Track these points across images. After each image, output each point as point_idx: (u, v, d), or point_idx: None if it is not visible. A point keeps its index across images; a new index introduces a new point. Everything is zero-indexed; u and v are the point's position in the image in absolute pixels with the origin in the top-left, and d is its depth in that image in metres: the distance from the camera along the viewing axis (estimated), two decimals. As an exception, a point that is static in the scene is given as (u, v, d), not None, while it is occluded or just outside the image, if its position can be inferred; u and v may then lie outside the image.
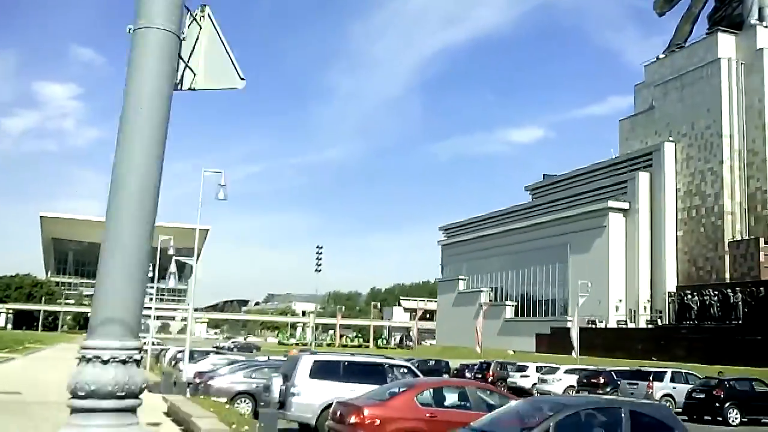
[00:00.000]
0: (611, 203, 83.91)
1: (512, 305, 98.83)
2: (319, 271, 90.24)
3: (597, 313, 79.21)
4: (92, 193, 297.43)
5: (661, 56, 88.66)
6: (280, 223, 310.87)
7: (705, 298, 65.51)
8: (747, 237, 75.70)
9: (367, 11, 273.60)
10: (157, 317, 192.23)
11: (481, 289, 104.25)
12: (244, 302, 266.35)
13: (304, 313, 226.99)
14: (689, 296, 67.37)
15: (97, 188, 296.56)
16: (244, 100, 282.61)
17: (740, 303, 62.22)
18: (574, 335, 46.27)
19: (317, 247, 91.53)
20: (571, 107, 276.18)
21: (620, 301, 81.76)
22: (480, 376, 36.46)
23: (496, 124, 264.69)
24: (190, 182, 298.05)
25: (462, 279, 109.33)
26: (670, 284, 78.42)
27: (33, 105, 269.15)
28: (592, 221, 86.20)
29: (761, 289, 60.99)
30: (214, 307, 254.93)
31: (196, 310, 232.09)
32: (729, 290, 63.85)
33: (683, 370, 31.12)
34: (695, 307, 66.26)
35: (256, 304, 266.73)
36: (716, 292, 64.76)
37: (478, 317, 65.53)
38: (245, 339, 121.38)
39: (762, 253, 73.67)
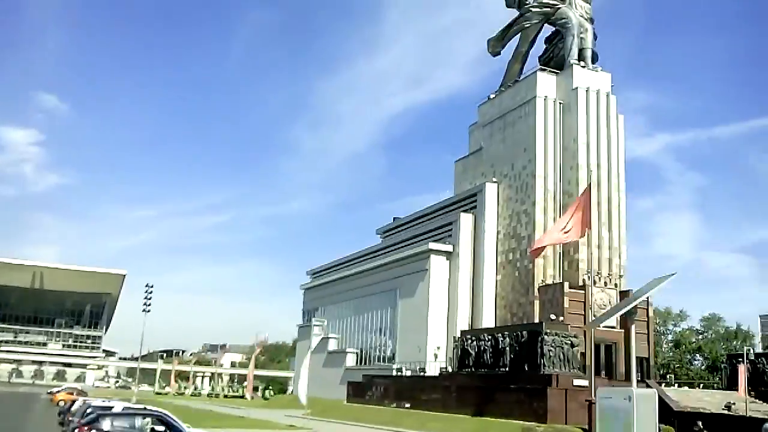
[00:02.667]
0: (432, 245, 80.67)
1: (354, 352, 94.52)
2: (148, 311, 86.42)
3: (419, 360, 75.49)
4: (52, 238, 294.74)
5: (492, 96, 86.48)
6: (239, 273, 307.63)
7: (481, 343, 61.70)
8: (555, 282, 72.37)
9: (335, 69, 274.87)
10: (65, 364, 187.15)
11: (330, 335, 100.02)
12: (179, 352, 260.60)
13: (233, 365, 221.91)
14: (469, 341, 63.49)
15: (56, 234, 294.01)
16: (208, 150, 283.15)
17: (507, 348, 58.41)
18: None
19: (146, 286, 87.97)
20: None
21: (438, 348, 77.72)
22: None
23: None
24: (153, 229, 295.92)
25: (317, 325, 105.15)
26: (485, 331, 74.74)
27: None
28: (416, 264, 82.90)
29: (524, 333, 57.27)
30: (144, 357, 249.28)
31: (122, 359, 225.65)
32: (499, 335, 60.12)
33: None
34: (473, 353, 62.31)
35: (191, 354, 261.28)
36: (490, 337, 60.98)
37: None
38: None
39: (567, 298, 70.30)
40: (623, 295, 72.83)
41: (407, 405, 62.37)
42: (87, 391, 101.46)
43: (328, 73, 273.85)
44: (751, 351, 67.03)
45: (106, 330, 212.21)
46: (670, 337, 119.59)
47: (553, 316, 60.98)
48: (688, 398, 59.45)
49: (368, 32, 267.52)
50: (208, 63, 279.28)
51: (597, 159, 75.33)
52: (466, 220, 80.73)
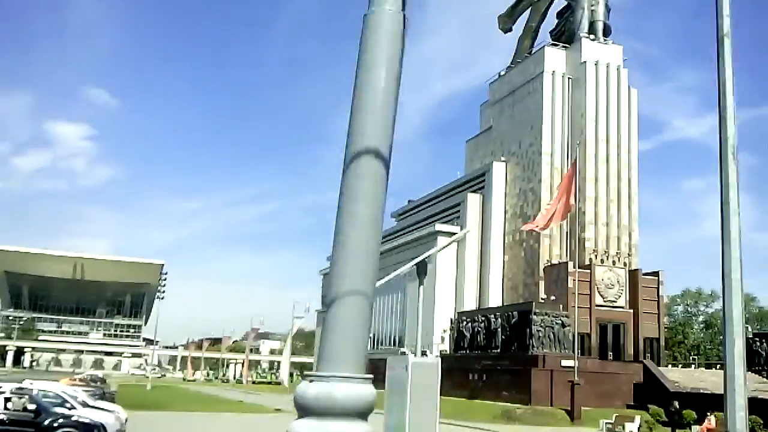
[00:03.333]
0: (438, 227, 79.01)
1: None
2: (162, 298, 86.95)
3: (427, 343, 74.02)
4: (101, 231, 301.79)
5: (502, 73, 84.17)
6: (282, 262, 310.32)
7: (474, 325, 60.10)
8: (561, 261, 70.11)
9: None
10: (106, 353, 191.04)
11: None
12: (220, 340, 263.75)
13: (272, 352, 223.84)
14: (464, 323, 61.92)
15: (106, 226, 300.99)
16: (254, 142, 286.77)
17: (499, 329, 56.72)
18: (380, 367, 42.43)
19: (161, 274, 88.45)
20: None
21: (445, 330, 76.11)
22: None
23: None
24: (199, 221, 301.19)
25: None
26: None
27: (45, 144, 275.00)
28: (424, 247, 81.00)
29: (514, 313, 55.49)
30: (186, 345, 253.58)
31: (166, 347, 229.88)
32: (492, 316, 58.43)
33: None
34: (468, 335, 60.75)
35: (234, 341, 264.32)
36: (483, 318, 59.35)
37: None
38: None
39: (570, 278, 67.90)
40: (632, 274, 70.41)
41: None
42: (106, 378, 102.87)
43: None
44: (749, 329, 63.85)
45: (146, 319, 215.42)
46: (701, 318, 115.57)
47: (544, 296, 58.98)
48: (692, 379, 57.02)
49: (411, 18, 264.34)
50: (251, 57, 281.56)
51: (606, 134, 72.68)
52: (473, 200, 78.86)
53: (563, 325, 53.24)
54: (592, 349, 67.15)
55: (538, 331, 52.31)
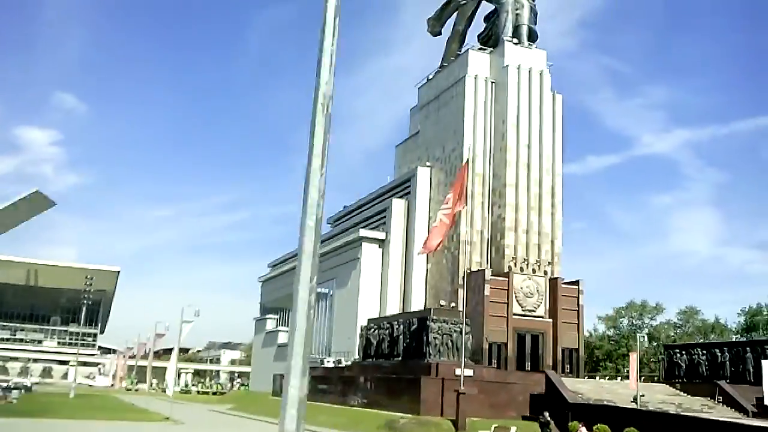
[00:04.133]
0: (363, 233, 77.73)
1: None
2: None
3: (348, 350, 72.64)
4: (68, 238, 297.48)
5: (431, 77, 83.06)
6: (255, 272, 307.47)
7: (380, 332, 58.67)
8: (480, 268, 68.92)
9: (350, 68, 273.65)
10: (60, 361, 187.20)
11: (280, 328, 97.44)
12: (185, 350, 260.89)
13: (233, 362, 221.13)
14: (371, 331, 60.44)
15: (73, 234, 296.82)
16: (228, 150, 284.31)
17: (401, 337, 55.29)
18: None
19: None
20: None
21: (349, 338, 74.74)
22: None
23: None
24: (168, 229, 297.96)
25: (270, 318, 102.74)
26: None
27: (13, 150, 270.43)
28: (350, 253, 79.93)
29: (414, 320, 54.12)
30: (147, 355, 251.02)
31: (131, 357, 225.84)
32: (395, 323, 57.01)
33: None
34: (375, 342, 59.28)
35: (197, 351, 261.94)
36: (388, 326, 57.91)
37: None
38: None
39: (488, 286, 66.87)
40: (552, 283, 69.38)
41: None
42: (33, 385, 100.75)
43: (342, 72, 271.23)
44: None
45: (102, 328, 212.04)
46: (645, 331, 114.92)
47: (443, 303, 57.59)
48: (599, 391, 55.83)
49: (382, 31, 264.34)
50: (223, 62, 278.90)
51: (528, 139, 71.68)
52: (398, 206, 77.59)
53: (462, 333, 51.82)
54: (509, 359, 65.99)
55: (434, 338, 51.02)
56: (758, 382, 60.37)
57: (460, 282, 69.38)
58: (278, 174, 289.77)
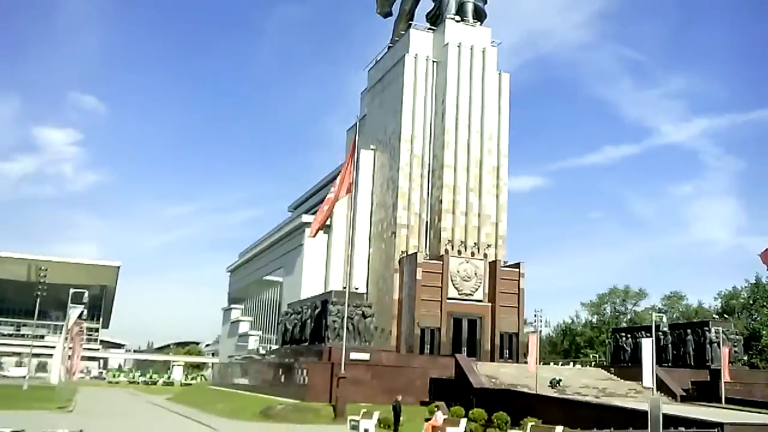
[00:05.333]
0: (306, 218, 75.81)
1: (256, 335, 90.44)
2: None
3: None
4: (88, 236, 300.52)
5: (379, 59, 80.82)
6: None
7: (294, 317, 56.94)
8: (415, 252, 66.67)
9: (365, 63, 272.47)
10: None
11: (242, 318, 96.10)
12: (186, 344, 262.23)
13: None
14: (288, 316, 58.72)
15: (93, 231, 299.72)
16: (245, 147, 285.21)
17: (309, 321, 53.50)
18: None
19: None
20: (567, 157, 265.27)
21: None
22: None
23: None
24: (189, 227, 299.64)
25: (235, 308, 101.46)
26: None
27: (33, 150, 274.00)
28: (296, 239, 78.23)
29: (318, 304, 52.22)
30: (156, 350, 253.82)
31: (136, 351, 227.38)
32: (305, 307, 55.19)
33: None
34: (290, 328, 57.55)
35: (206, 345, 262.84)
36: (300, 310, 56.13)
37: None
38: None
39: (420, 269, 64.74)
40: (492, 266, 66.99)
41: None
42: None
43: (359, 68, 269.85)
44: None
45: (105, 322, 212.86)
46: (628, 317, 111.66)
47: (345, 286, 55.42)
48: (519, 376, 53.43)
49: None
50: (240, 61, 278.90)
51: (468, 119, 69.25)
52: (341, 190, 75.39)
53: (364, 316, 49.90)
54: (443, 345, 63.81)
55: (333, 321, 49.08)
56: (699, 365, 57.86)
57: (396, 267, 67.46)
58: (296, 170, 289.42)
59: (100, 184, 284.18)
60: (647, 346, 36.07)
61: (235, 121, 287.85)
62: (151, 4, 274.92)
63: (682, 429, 26.69)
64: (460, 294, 65.42)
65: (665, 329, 63.21)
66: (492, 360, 62.84)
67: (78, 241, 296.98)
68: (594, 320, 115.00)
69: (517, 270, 66.90)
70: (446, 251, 66.09)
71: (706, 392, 51.16)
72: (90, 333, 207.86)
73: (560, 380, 51.64)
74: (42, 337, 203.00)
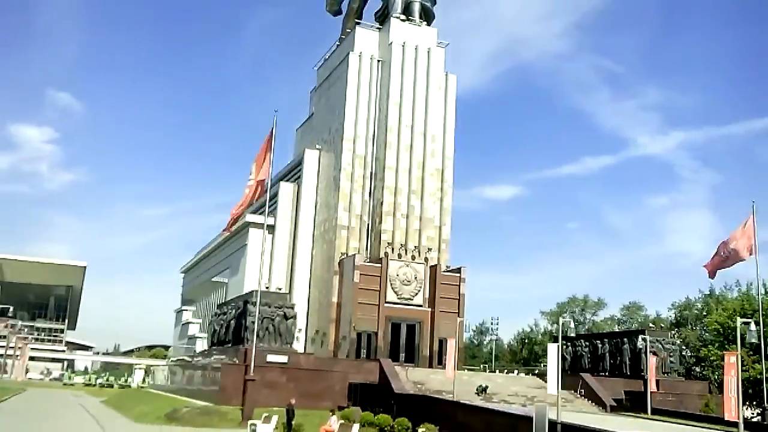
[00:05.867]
0: (250, 218, 74.42)
1: (204, 337, 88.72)
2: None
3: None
4: (62, 236, 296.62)
5: (327, 58, 79.73)
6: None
7: (220, 318, 55.56)
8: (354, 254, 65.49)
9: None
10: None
11: (192, 320, 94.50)
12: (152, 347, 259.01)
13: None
14: (216, 317, 57.32)
15: (68, 231, 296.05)
16: (222, 149, 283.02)
17: (232, 322, 52.07)
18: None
19: None
20: (544, 167, 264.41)
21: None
22: None
23: (472, 182, 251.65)
24: (164, 228, 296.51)
25: (186, 310, 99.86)
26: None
27: (8, 147, 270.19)
28: (240, 240, 76.87)
29: (240, 304, 50.88)
30: (124, 353, 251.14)
31: (104, 354, 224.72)
32: (228, 308, 53.84)
33: None
34: (217, 329, 56.09)
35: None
36: (225, 311, 54.74)
37: None
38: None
39: (357, 272, 63.55)
40: (433, 270, 65.92)
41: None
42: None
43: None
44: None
45: (71, 323, 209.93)
46: (586, 327, 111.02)
47: (268, 285, 54.29)
48: (446, 382, 52.23)
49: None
50: (218, 61, 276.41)
51: (411, 120, 68.22)
52: (286, 190, 74.46)
53: (286, 317, 48.54)
54: (380, 349, 62.60)
55: (252, 322, 47.55)
56: (634, 374, 56.99)
57: (336, 269, 66.29)
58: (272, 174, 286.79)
59: (75, 183, 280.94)
60: (552, 351, 35.00)
61: (212, 122, 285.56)
62: (129, 3, 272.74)
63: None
64: (399, 298, 64.35)
65: (602, 339, 62.40)
66: (430, 366, 61.75)
67: (52, 241, 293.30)
68: (553, 329, 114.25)
69: (458, 275, 65.86)
70: (386, 254, 64.98)
71: (638, 402, 50.42)
72: (55, 334, 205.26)
73: (486, 387, 50.67)
74: (3, 337, 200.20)
